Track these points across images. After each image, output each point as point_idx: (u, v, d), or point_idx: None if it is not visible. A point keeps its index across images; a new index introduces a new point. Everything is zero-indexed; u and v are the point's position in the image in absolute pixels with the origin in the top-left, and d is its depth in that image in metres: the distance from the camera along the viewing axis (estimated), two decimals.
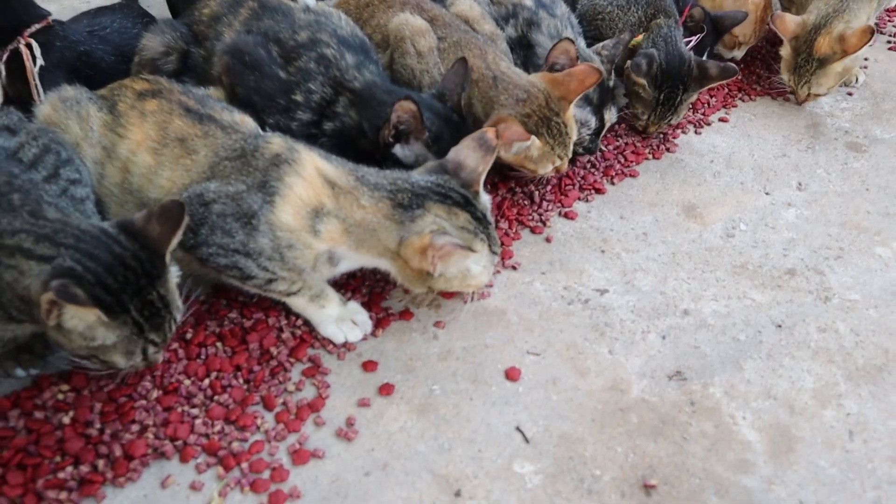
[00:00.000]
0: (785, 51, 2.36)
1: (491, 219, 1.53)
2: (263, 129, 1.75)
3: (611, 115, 2.09)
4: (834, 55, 2.25)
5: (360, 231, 1.46)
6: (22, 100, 1.97)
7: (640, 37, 2.18)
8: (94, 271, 1.26)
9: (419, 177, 1.51)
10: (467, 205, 1.47)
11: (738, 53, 2.59)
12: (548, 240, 1.88)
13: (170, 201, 1.34)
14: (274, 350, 1.57)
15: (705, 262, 1.84)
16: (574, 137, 1.91)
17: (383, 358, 1.57)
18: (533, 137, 1.79)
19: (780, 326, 1.67)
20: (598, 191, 2.05)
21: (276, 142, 1.52)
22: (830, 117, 2.44)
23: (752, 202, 2.05)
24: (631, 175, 2.12)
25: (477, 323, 1.66)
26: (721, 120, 2.39)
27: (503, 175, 2.03)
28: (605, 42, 2.12)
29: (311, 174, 1.47)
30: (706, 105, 2.44)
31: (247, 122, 1.65)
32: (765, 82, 2.55)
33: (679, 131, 2.32)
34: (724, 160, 2.21)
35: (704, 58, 2.41)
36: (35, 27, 1.98)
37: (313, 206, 1.45)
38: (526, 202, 1.98)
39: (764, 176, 2.16)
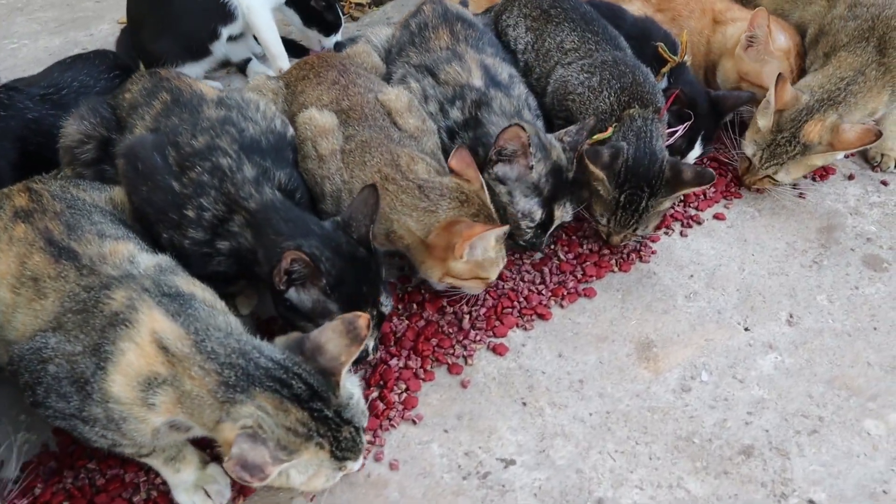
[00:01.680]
0: (764, 121, 1.98)
1: (351, 415, 1.27)
2: (158, 244, 1.59)
3: (563, 212, 1.81)
4: (818, 146, 1.89)
5: (191, 403, 1.26)
6: None
7: (611, 129, 1.85)
8: None
9: (268, 352, 1.28)
10: (312, 399, 1.23)
11: None
12: (464, 384, 1.63)
13: None
14: None
15: (644, 428, 1.55)
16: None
17: None
18: (492, 231, 1.57)
19: None
20: (542, 316, 1.77)
21: (118, 297, 1.33)
22: (854, 215, 2.04)
23: (725, 341, 1.72)
24: (586, 295, 1.83)
25: (352, 496, 1.45)
26: (716, 217, 2.04)
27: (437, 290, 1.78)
28: (569, 128, 1.83)
29: (144, 339, 1.27)
30: (701, 196, 2.09)
31: (117, 254, 1.45)
32: None
33: (661, 233, 1.99)
34: (706, 276, 1.88)
35: (699, 146, 2.06)
36: None
37: (145, 376, 1.26)
38: (452, 329, 1.73)
39: (749, 302, 1.81)
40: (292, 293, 1.49)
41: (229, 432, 1.19)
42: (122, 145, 1.71)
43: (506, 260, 1.70)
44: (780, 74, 1.94)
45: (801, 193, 2.10)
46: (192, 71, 2.38)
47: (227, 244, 1.60)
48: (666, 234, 1.99)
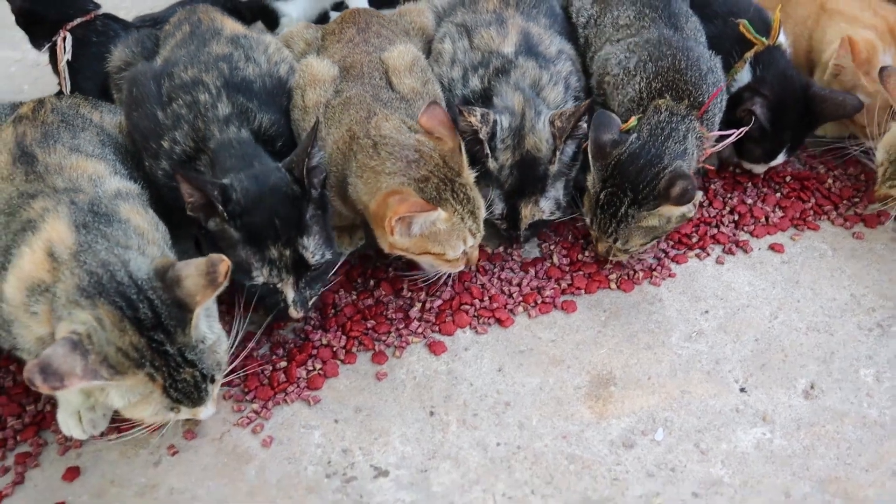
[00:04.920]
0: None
1: (197, 359, 1.21)
2: (140, 169, 1.62)
3: (535, 210, 1.55)
4: None
5: (54, 307, 1.25)
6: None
7: (633, 119, 1.53)
8: None
9: (133, 268, 1.24)
10: (154, 329, 1.18)
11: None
12: (379, 376, 1.46)
13: None
14: (12, 420, 1.45)
15: (549, 477, 1.27)
16: (483, 210, 1.48)
17: (94, 468, 1.36)
18: (438, 210, 1.39)
19: None
20: (501, 322, 1.53)
21: (37, 206, 1.36)
22: None
23: (707, 398, 1.36)
24: (563, 308, 1.54)
25: (213, 462, 1.35)
26: (773, 247, 1.62)
27: (408, 264, 1.59)
28: (566, 110, 1.55)
29: (39, 246, 1.29)
30: (762, 220, 1.67)
31: (78, 169, 1.49)
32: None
33: (692, 254, 1.63)
34: (724, 315, 1.50)
35: (782, 155, 1.67)
36: (77, 21, 2.06)
37: (32, 281, 1.27)
38: (397, 315, 1.55)
39: (764, 358, 1.41)
40: (210, 220, 1.42)
41: (60, 333, 1.18)
42: (129, 72, 1.76)
43: (476, 235, 1.47)
44: (883, 69, 1.47)
45: None
46: (299, 5, 2.31)
47: None
48: (698, 257, 1.62)
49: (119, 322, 1.17)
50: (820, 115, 1.63)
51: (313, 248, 1.42)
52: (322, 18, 2.46)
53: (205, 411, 1.27)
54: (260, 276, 1.38)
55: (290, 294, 1.41)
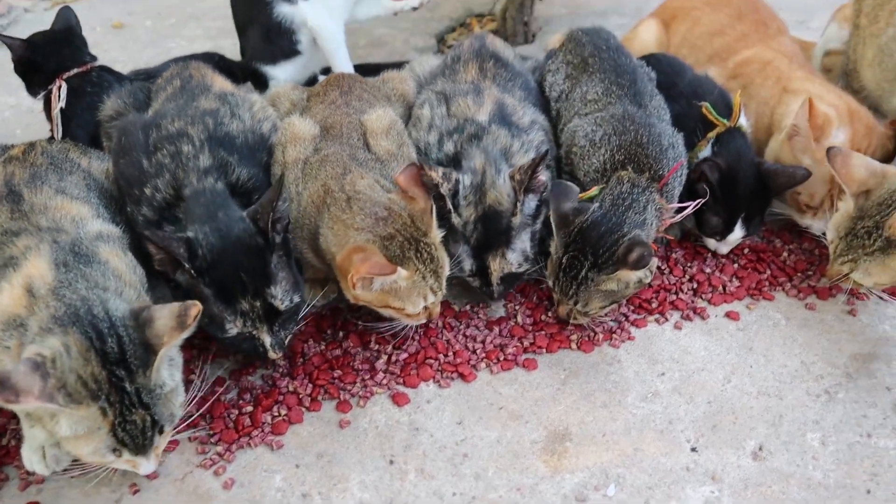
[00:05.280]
0: (846, 205, 1.59)
1: (151, 402, 1.24)
2: (122, 215, 1.68)
3: (502, 263, 1.61)
4: None
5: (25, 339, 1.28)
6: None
7: (595, 189, 1.62)
8: None
9: (111, 305, 1.29)
10: (117, 364, 1.23)
11: (815, 223, 1.80)
12: (342, 424, 1.49)
13: None
14: None
15: None
16: (447, 269, 1.55)
17: None
18: (399, 269, 1.45)
19: None
20: (463, 377, 1.57)
21: (20, 244, 1.42)
22: None
23: (659, 456, 1.40)
24: (525, 366, 1.59)
25: (173, 501, 1.37)
26: (729, 315, 1.69)
27: (376, 316, 1.64)
28: (523, 164, 1.62)
29: (18, 282, 1.34)
30: (720, 288, 1.74)
31: (62, 210, 1.55)
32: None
33: (651, 318, 1.69)
34: (679, 378, 1.55)
35: (739, 228, 1.75)
36: (73, 71, 2.14)
37: (9, 317, 1.32)
38: (363, 367, 1.60)
39: (715, 419, 1.46)
40: (178, 274, 1.48)
41: (26, 354, 1.20)
42: (119, 121, 1.84)
43: (437, 293, 1.53)
44: (830, 149, 1.57)
45: (852, 309, 1.67)
46: (288, 70, 2.41)
47: (173, 229, 1.63)
48: (657, 322, 1.68)
49: (85, 351, 1.21)
50: (772, 186, 1.72)
51: (281, 296, 1.47)
52: (311, 82, 2.57)
53: (146, 465, 1.29)
54: (234, 329, 1.43)
55: (266, 339, 1.46)
